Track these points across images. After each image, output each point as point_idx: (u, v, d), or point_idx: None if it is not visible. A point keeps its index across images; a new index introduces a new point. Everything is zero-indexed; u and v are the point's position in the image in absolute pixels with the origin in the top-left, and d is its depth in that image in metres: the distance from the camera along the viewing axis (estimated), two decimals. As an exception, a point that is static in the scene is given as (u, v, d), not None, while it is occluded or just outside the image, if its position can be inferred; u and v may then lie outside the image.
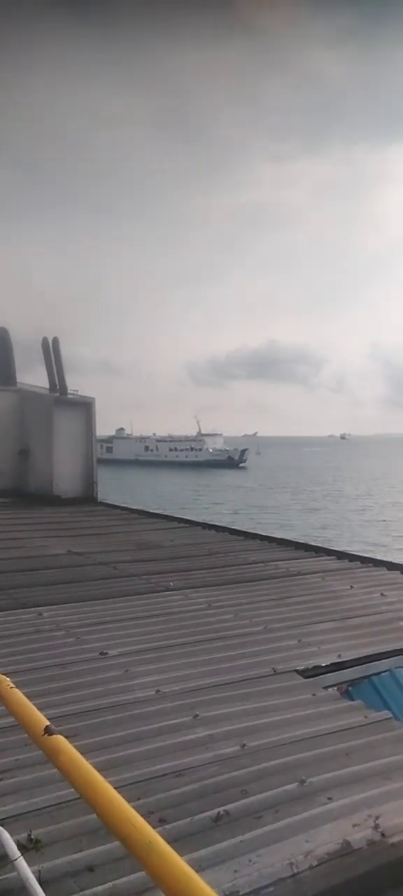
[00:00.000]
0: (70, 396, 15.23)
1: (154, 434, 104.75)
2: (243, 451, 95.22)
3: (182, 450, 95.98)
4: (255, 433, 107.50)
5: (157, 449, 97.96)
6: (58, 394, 15.03)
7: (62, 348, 15.36)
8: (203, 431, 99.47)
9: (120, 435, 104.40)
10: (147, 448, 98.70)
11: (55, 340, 15.32)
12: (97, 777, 1.87)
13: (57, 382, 15.15)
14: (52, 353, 15.22)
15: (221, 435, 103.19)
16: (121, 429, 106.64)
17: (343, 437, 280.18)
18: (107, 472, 72.03)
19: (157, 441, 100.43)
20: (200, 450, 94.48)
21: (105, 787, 1.82)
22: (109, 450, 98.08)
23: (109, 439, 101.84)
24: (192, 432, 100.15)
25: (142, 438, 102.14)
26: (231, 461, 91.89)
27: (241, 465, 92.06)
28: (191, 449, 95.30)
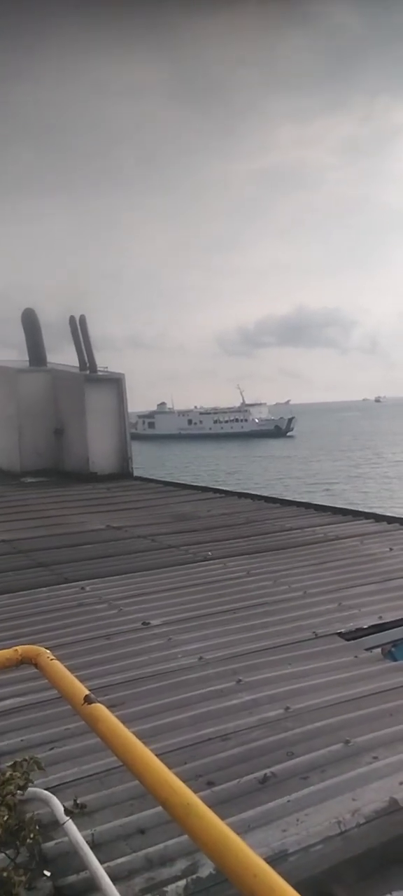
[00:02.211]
0: (100, 373, 15.33)
1: (195, 407, 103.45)
2: (290, 420, 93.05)
3: (227, 421, 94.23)
4: (288, 401, 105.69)
5: (201, 422, 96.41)
6: (88, 372, 15.14)
7: (89, 326, 15.46)
8: (246, 401, 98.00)
9: (161, 410, 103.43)
10: (190, 422, 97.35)
11: (82, 318, 15.40)
12: (135, 742, 1.91)
13: (86, 360, 15.26)
14: (79, 332, 15.32)
15: (266, 404, 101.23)
16: (163, 403, 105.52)
17: (377, 400, 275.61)
18: (151, 447, 72.06)
19: (201, 414, 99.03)
20: (246, 420, 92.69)
21: (143, 752, 1.85)
22: (151, 425, 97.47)
23: (151, 414, 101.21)
24: (235, 403, 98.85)
25: (184, 412, 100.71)
26: (278, 430, 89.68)
27: (289, 434, 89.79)
28: (236, 420, 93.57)
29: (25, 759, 2.02)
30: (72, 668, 2.56)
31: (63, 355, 16.85)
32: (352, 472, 46.35)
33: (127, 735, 1.90)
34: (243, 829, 2.52)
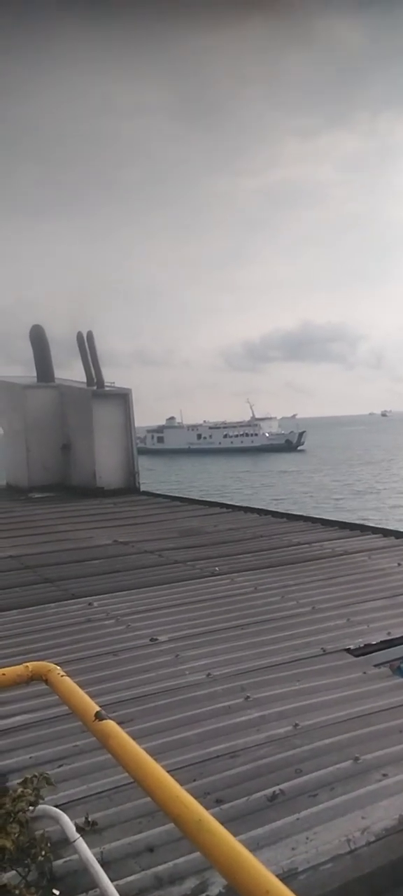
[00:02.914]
0: (107, 389, 15.39)
1: (204, 421, 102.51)
2: (301, 434, 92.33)
3: (237, 436, 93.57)
4: (294, 415, 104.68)
5: (211, 436, 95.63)
6: (95, 387, 15.21)
7: (96, 342, 15.53)
8: (256, 416, 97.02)
9: (170, 424, 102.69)
10: (199, 436, 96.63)
11: (89, 334, 15.50)
12: (147, 759, 1.91)
13: (94, 375, 15.34)
14: (87, 347, 15.40)
15: (276, 418, 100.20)
16: (172, 418, 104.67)
17: (384, 415, 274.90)
18: (160, 462, 71.56)
19: (210, 428, 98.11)
20: (256, 434, 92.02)
21: (155, 768, 1.86)
22: (160, 440, 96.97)
23: (160, 429, 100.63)
24: (242, 417, 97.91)
25: (193, 426, 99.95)
26: (289, 444, 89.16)
27: (300, 447, 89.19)
28: (246, 434, 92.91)
29: (35, 776, 2.03)
30: (80, 685, 2.57)
31: (70, 371, 16.94)
32: (359, 487, 46.18)
33: (138, 751, 1.91)
34: (252, 847, 2.50)
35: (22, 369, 17.34)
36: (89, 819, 2.73)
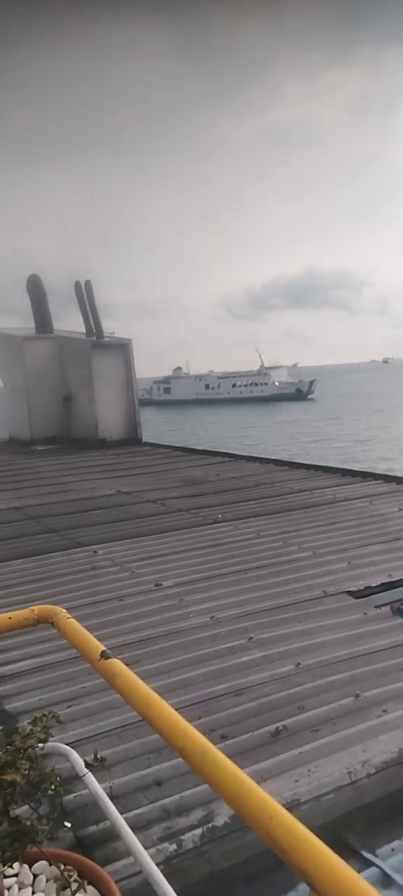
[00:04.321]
0: (107, 339, 15.31)
1: (211, 371, 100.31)
2: (311, 383, 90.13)
3: (246, 385, 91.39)
4: (295, 364, 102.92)
5: (219, 386, 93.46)
6: (94, 338, 15.13)
7: (95, 292, 15.39)
8: (265, 365, 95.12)
9: (177, 374, 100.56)
10: (207, 386, 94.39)
11: (88, 284, 15.34)
12: (152, 695, 1.96)
13: (93, 326, 15.24)
14: (85, 297, 15.27)
15: (286, 366, 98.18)
16: (179, 368, 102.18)
17: (385, 362, 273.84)
18: (167, 413, 70.62)
19: (219, 378, 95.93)
20: (266, 384, 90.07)
21: (160, 704, 1.90)
22: (167, 391, 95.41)
23: (166, 380, 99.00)
24: (246, 367, 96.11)
25: (201, 376, 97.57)
26: (299, 393, 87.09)
27: (310, 396, 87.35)
28: (256, 384, 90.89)
29: (45, 714, 2.08)
30: (87, 629, 2.62)
31: (69, 322, 16.80)
32: (363, 436, 46.15)
33: (144, 688, 1.96)
34: (256, 780, 2.51)
35: (20, 321, 17.22)
36: (98, 755, 2.81)
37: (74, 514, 7.93)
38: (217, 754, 1.63)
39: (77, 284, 15.43)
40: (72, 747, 2.81)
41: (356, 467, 11.38)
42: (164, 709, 1.84)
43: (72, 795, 2.59)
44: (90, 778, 2.53)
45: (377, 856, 2.33)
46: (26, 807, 1.98)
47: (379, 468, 18.97)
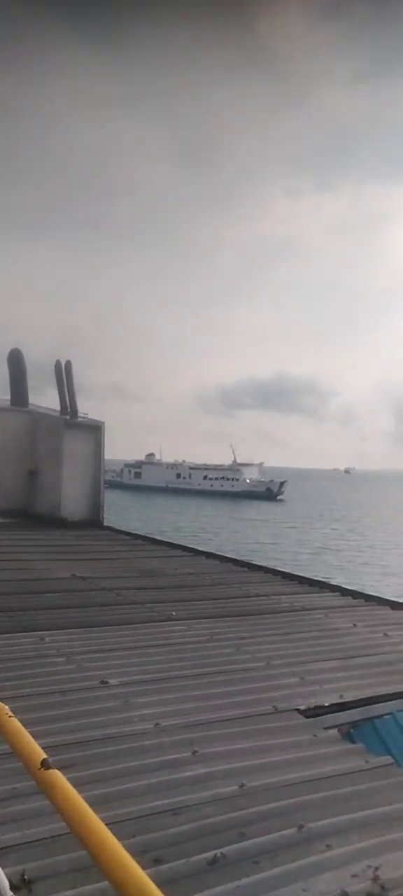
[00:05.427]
0: (80, 419, 15.30)
1: (184, 461, 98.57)
2: (282, 483, 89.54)
3: (217, 479, 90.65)
4: (261, 463, 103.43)
5: (190, 477, 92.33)
6: (68, 417, 15.11)
7: (75, 371, 15.48)
8: (238, 461, 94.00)
9: (149, 460, 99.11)
10: (179, 475, 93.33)
11: (68, 364, 15.45)
12: (91, 815, 1.83)
13: (68, 405, 15.25)
14: (64, 377, 15.33)
15: (257, 465, 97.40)
16: (151, 454, 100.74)
17: (347, 472, 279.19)
18: (136, 498, 69.29)
19: (190, 469, 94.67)
20: (237, 479, 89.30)
21: (99, 827, 1.78)
22: (138, 475, 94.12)
23: (138, 464, 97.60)
24: (214, 460, 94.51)
25: (173, 465, 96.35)
26: (269, 493, 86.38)
27: (279, 497, 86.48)
28: (227, 479, 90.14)
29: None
30: (25, 723, 2.48)
31: (46, 398, 16.81)
32: (324, 543, 46.21)
33: (83, 806, 1.83)
34: None
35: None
36: (25, 877, 2.62)
37: (24, 595, 7.69)
38: (155, 894, 1.51)
39: (57, 364, 15.52)
40: (-5, 856, 2.61)
41: (314, 576, 11.38)
42: (104, 834, 1.71)
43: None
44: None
45: None
46: None
47: (337, 579, 18.98)
